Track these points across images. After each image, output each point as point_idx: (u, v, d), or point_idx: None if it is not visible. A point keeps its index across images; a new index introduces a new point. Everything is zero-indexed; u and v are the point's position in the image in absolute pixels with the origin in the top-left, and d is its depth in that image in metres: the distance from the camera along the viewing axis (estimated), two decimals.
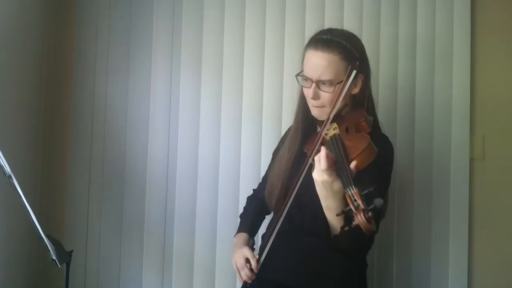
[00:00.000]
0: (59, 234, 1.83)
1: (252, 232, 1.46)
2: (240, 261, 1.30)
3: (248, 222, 1.48)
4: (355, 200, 1.02)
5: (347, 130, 1.24)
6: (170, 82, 1.90)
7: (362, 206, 1.00)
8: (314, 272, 1.28)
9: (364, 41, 1.82)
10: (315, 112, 1.32)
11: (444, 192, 1.80)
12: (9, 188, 1.22)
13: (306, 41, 1.82)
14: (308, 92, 1.28)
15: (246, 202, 1.58)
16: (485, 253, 1.80)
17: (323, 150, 1.10)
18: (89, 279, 1.89)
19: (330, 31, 1.32)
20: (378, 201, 1.00)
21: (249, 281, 1.30)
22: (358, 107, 1.32)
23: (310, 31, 1.82)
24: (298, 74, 1.32)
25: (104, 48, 1.92)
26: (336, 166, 1.10)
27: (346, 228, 1.03)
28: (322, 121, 1.28)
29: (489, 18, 1.83)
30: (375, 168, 1.16)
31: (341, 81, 1.24)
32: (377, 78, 1.83)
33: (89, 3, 1.93)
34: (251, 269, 1.28)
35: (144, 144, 1.89)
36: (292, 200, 1.22)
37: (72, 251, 1.30)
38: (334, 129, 1.22)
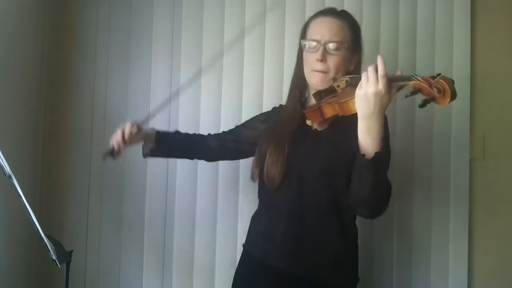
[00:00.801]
0: (59, 234, 1.83)
1: (161, 139, 1.47)
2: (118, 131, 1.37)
3: (168, 133, 1.51)
4: (426, 80, 1.02)
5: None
6: (170, 82, 1.90)
7: (435, 80, 1.01)
8: (313, 257, 1.27)
9: (364, 41, 1.84)
10: (316, 79, 1.28)
11: (444, 192, 1.80)
12: (9, 188, 1.22)
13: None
14: (315, 56, 1.27)
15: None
16: (485, 253, 1.80)
17: (379, 58, 1.08)
18: (89, 279, 1.89)
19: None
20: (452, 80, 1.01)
21: (116, 148, 1.36)
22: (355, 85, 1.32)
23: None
24: (303, 40, 1.33)
25: (104, 48, 1.92)
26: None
27: (421, 105, 1.04)
28: (320, 93, 1.29)
29: (489, 18, 1.83)
30: None
31: (349, 46, 1.28)
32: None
33: (89, 3, 1.93)
34: (123, 138, 1.35)
35: None
36: (292, 171, 1.25)
37: (72, 251, 1.31)
38: (345, 80, 1.23)
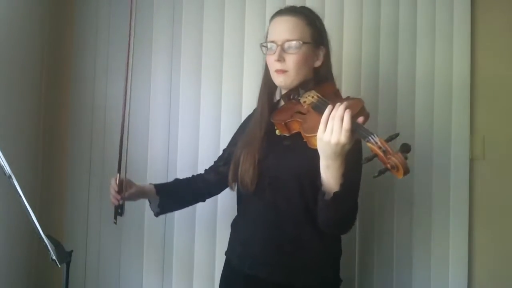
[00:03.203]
0: (59, 234, 1.83)
1: (161, 190, 1.49)
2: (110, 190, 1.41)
3: (165, 183, 1.54)
4: (381, 147, 0.99)
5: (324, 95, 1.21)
6: (170, 82, 1.90)
7: (391, 150, 0.98)
8: (290, 264, 1.26)
9: (364, 42, 1.84)
10: (278, 79, 1.28)
11: (444, 192, 1.80)
12: (9, 188, 1.22)
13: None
14: (273, 56, 1.27)
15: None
16: (485, 253, 1.80)
17: (347, 112, 1.04)
18: (89, 279, 1.89)
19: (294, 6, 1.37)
20: (405, 144, 0.99)
21: (116, 202, 1.41)
22: (324, 81, 1.31)
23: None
24: (262, 44, 1.33)
25: (104, 48, 1.92)
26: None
27: (376, 175, 1.01)
28: (288, 95, 1.29)
29: (489, 18, 1.83)
30: None
31: (307, 43, 1.26)
32: (376, 78, 1.83)
33: (89, 3, 1.93)
34: (114, 190, 1.40)
35: (144, 144, 1.89)
36: (264, 178, 1.26)
37: (72, 251, 1.30)
38: (312, 97, 1.20)
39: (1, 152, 1.21)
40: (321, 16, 1.36)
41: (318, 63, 1.31)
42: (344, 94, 1.80)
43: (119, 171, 1.41)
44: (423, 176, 1.81)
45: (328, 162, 1.09)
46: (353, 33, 1.84)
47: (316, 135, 1.08)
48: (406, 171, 0.98)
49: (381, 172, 1.00)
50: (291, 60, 1.25)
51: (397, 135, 1.01)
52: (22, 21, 1.70)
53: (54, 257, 1.24)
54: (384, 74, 1.84)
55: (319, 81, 1.31)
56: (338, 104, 1.06)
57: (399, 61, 1.84)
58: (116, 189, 1.40)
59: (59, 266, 1.26)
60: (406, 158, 0.98)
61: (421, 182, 1.81)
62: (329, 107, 1.07)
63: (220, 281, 1.42)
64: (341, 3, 1.85)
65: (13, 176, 1.21)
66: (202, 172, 1.56)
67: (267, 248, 1.27)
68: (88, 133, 1.91)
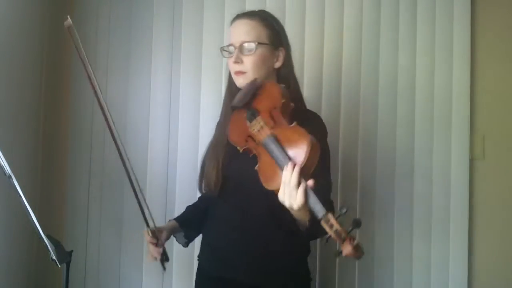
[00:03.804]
0: (59, 234, 1.83)
1: (183, 222, 1.45)
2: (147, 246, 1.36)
3: (182, 215, 1.50)
4: (332, 226, 0.95)
5: (273, 118, 1.15)
6: (170, 82, 1.90)
7: (343, 232, 0.94)
8: (259, 265, 1.26)
9: (364, 42, 1.84)
10: (238, 81, 1.31)
11: (444, 192, 1.80)
12: (9, 188, 1.22)
13: (306, 41, 1.85)
14: (231, 59, 1.30)
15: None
16: (485, 253, 1.80)
17: (295, 174, 1.01)
18: (89, 279, 1.89)
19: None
20: (356, 220, 0.95)
21: (158, 256, 1.35)
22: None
23: (310, 31, 1.85)
24: (222, 48, 1.35)
25: (104, 48, 1.92)
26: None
27: (336, 256, 0.98)
28: (233, 108, 1.29)
29: (489, 18, 1.83)
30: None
31: (263, 44, 1.28)
32: (376, 77, 1.83)
33: (89, 3, 1.93)
34: (152, 243, 1.34)
35: (144, 144, 1.89)
36: (229, 183, 1.27)
37: (72, 251, 1.30)
38: (260, 126, 1.15)
39: (1, 152, 1.21)
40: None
41: (278, 64, 1.33)
42: (345, 93, 1.83)
43: (147, 225, 1.36)
44: (423, 176, 1.81)
45: (292, 211, 1.08)
46: (353, 33, 1.85)
47: (274, 190, 1.06)
48: (359, 256, 0.94)
49: (339, 253, 0.97)
50: (249, 61, 1.28)
51: (346, 211, 0.98)
52: (22, 21, 1.70)
53: (54, 257, 1.24)
54: (384, 74, 1.84)
55: (279, 81, 1.33)
56: (290, 166, 1.02)
57: (399, 61, 1.84)
58: (154, 241, 1.35)
59: (59, 266, 1.26)
60: (357, 248, 0.94)
61: (421, 181, 1.81)
62: (285, 168, 1.03)
63: (195, 286, 1.44)
64: (341, 4, 1.85)
65: (13, 176, 1.21)
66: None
67: (235, 250, 1.28)
68: (88, 133, 1.91)
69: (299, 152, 1.04)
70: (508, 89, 1.82)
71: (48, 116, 1.89)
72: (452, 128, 1.81)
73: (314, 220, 1.01)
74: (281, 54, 1.33)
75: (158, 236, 1.35)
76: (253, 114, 1.19)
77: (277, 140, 1.09)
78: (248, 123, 1.19)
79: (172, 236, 1.45)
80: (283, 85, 1.24)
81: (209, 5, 1.89)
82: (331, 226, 0.96)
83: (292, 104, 1.19)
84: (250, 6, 1.86)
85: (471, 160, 1.81)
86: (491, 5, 1.83)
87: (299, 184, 1.01)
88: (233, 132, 1.26)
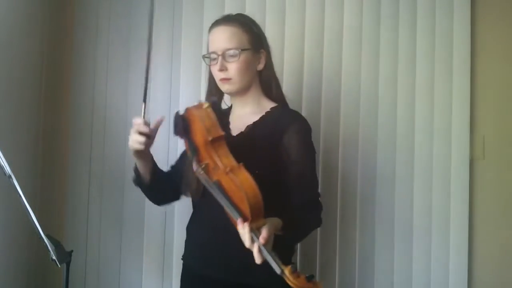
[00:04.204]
0: (59, 234, 1.83)
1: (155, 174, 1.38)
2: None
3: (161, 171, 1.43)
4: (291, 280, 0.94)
5: (211, 157, 1.11)
6: (170, 82, 1.90)
7: (303, 285, 0.93)
8: (242, 263, 1.22)
9: (364, 43, 1.84)
10: (224, 88, 1.33)
11: (444, 192, 1.80)
12: (9, 188, 1.22)
13: (306, 42, 1.85)
14: (216, 67, 1.31)
15: None
16: (485, 253, 1.81)
17: (255, 247, 0.99)
18: (89, 279, 1.89)
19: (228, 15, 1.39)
20: (310, 276, 0.93)
21: (142, 146, 1.22)
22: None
23: (309, 31, 1.85)
24: (204, 55, 1.36)
25: (104, 48, 1.92)
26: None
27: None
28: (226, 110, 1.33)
29: (489, 18, 1.83)
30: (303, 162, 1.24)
31: (246, 49, 1.29)
32: (376, 77, 1.83)
33: (89, 3, 1.93)
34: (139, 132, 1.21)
35: None
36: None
37: (72, 251, 1.30)
38: (203, 169, 1.11)
39: (1, 152, 1.21)
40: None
41: (260, 66, 1.35)
42: (345, 93, 1.83)
43: (144, 100, 1.28)
44: (423, 176, 1.81)
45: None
46: (353, 33, 1.85)
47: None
48: None
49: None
50: (233, 68, 1.29)
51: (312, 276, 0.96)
52: (22, 21, 1.70)
53: (54, 257, 1.24)
54: (384, 74, 1.84)
55: (263, 83, 1.36)
56: (240, 222, 1.02)
57: (399, 62, 1.84)
58: (146, 130, 1.23)
59: (59, 266, 1.26)
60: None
61: (421, 182, 1.81)
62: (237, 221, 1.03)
63: (180, 286, 1.43)
64: (341, 5, 1.85)
65: (13, 176, 1.21)
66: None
67: (219, 249, 1.29)
68: (88, 133, 1.91)
69: (243, 204, 1.01)
70: (508, 89, 1.82)
71: (48, 116, 1.89)
72: (452, 128, 1.81)
73: (288, 228, 1.07)
74: (263, 56, 1.35)
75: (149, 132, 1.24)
76: (193, 151, 1.14)
77: (222, 188, 1.06)
78: (194, 168, 1.13)
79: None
80: (207, 104, 1.19)
81: (209, 5, 1.89)
82: (289, 280, 0.95)
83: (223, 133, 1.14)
84: (249, 6, 1.87)
85: (471, 160, 1.82)
86: (491, 5, 1.83)
87: (253, 240, 1.00)
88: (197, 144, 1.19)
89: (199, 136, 1.14)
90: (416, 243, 1.81)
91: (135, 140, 1.23)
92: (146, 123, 1.24)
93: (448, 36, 1.82)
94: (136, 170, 1.38)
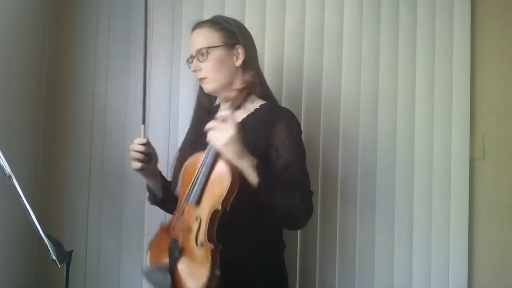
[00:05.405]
0: (59, 234, 1.83)
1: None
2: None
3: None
4: None
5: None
6: (170, 82, 1.90)
7: None
8: (239, 263, 1.25)
9: (364, 43, 1.84)
10: (205, 86, 1.37)
11: (444, 192, 1.80)
12: (9, 188, 1.22)
13: (306, 41, 1.85)
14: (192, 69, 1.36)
15: None
16: (485, 253, 1.80)
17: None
18: (89, 279, 1.89)
19: None
20: None
21: (140, 165, 1.30)
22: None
23: (309, 31, 1.85)
24: (187, 61, 1.40)
25: (104, 48, 1.92)
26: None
27: None
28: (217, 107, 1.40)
29: (489, 18, 1.83)
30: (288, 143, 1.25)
31: (216, 47, 1.32)
32: (376, 77, 1.83)
33: (89, 3, 1.93)
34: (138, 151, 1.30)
35: None
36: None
37: (72, 251, 1.30)
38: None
39: (1, 152, 1.21)
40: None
41: (238, 62, 1.36)
42: (345, 93, 1.83)
43: (143, 121, 1.38)
44: (423, 176, 1.81)
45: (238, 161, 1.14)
46: (354, 34, 1.85)
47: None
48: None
49: None
50: (206, 67, 1.33)
51: None
52: (22, 21, 1.70)
53: (54, 257, 1.24)
54: (384, 74, 1.84)
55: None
56: None
57: (399, 61, 1.84)
58: (143, 149, 1.32)
59: (59, 266, 1.26)
60: None
61: (421, 182, 1.81)
62: None
63: None
64: (341, 5, 1.85)
65: (13, 176, 1.21)
66: None
67: None
68: (88, 133, 1.91)
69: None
70: (508, 89, 1.82)
71: (48, 116, 1.89)
72: (452, 128, 1.81)
73: (263, 175, 1.13)
74: (241, 52, 1.35)
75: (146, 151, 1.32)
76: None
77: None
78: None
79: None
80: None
81: (209, 5, 1.89)
82: None
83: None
84: (249, 6, 1.87)
85: (471, 160, 1.81)
86: (491, 5, 1.83)
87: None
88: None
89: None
90: (416, 243, 1.81)
91: (134, 159, 1.31)
92: (146, 143, 1.32)
93: (448, 36, 1.82)
94: (149, 189, 1.44)
